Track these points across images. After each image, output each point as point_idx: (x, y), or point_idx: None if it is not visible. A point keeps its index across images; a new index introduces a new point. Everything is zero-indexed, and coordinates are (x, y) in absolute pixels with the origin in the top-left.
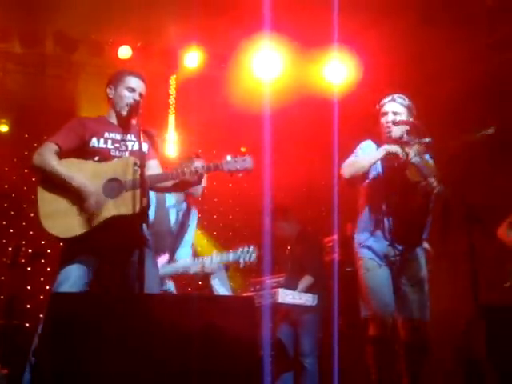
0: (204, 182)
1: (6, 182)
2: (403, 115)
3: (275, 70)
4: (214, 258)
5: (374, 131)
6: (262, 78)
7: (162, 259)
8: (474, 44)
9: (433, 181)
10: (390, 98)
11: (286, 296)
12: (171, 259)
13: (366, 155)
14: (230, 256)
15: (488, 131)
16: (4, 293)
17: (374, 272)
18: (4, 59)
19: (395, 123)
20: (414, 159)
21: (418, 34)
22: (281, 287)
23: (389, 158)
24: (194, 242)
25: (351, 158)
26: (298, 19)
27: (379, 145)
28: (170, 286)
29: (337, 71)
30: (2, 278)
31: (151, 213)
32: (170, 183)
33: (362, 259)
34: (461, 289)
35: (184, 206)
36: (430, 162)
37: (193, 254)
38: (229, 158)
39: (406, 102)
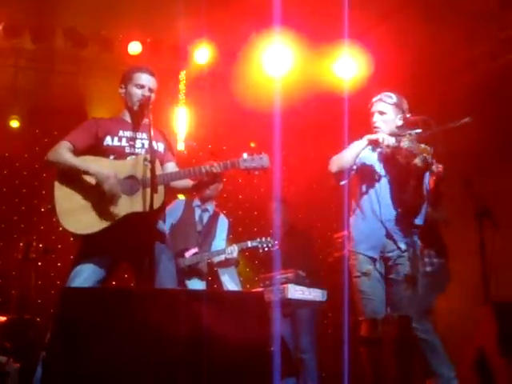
0: (220, 185)
1: (17, 177)
2: (390, 114)
3: (285, 65)
4: (235, 246)
5: (364, 128)
6: (272, 73)
7: (191, 252)
8: (486, 39)
9: (425, 157)
10: (377, 97)
11: (296, 292)
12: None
13: (351, 148)
14: (249, 243)
15: (465, 120)
16: (15, 288)
17: (368, 277)
18: (16, 55)
19: (406, 119)
20: (404, 143)
21: (429, 29)
22: (290, 283)
23: (374, 147)
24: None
25: (340, 153)
26: (308, 14)
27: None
28: (197, 283)
29: (347, 67)
30: (14, 272)
31: (178, 212)
32: (189, 184)
33: (357, 259)
34: (471, 286)
35: (209, 208)
36: (422, 145)
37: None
38: (245, 155)
39: (394, 99)
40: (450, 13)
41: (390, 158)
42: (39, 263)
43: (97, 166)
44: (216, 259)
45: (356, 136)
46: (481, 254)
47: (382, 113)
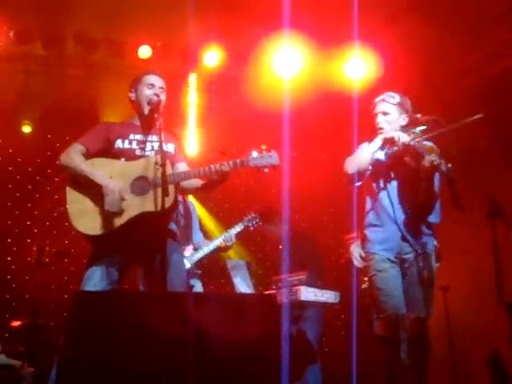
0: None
1: (29, 182)
2: (394, 114)
3: (295, 67)
4: (230, 231)
5: (371, 128)
6: (282, 75)
7: (188, 251)
8: (492, 41)
9: (433, 158)
10: (380, 97)
11: (308, 293)
12: (194, 248)
13: (366, 148)
14: (240, 226)
15: (476, 117)
16: (29, 292)
17: (385, 274)
18: (27, 61)
19: (416, 119)
20: (411, 142)
21: (435, 31)
22: (302, 285)
23: (389, 146)
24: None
25: (353, 155)
26: (317, 16)
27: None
28: (198, 285)
29: (357, 68)
30: (27, 277)
31: None
32: (199, 183)
33: (373, 259)
34: (485, 285)
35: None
36: (429, 144)
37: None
38: (255, 153)
39: (396, 99)
40: (456, 15)
41: (398, 159)
42: (52, 267)
43: (105, 175)
44: (218, 250)
45: (365, 136)
46: (494, 253)
47: (385, 113)
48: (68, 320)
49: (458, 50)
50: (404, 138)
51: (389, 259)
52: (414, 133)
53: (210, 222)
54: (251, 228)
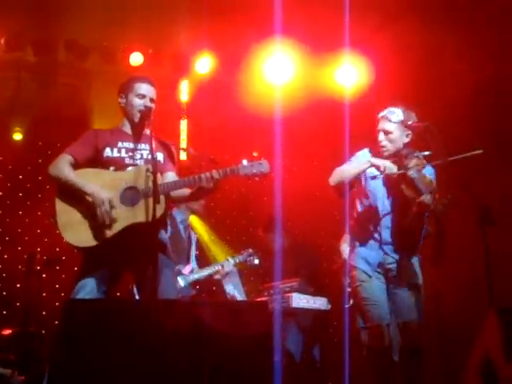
0: (203, 200)
1: (20, 190)
2: (396, 132)
3: (286, 74)
4: (229, 261)
5: (374, 139)
6: (274, 82)
7: (187, 269)
8: (487, 44)
9: (428, 198)
10: (383, 113)
11: (300, 300)
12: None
13: (354, 165)
14: (239, 258)
15: (476, 152)
16: (20, 300)
17: (369, 284)
18: (18, 68)
19: (408, 126)
20: (412, 173)
21: (429, 35)
22: (294, 292)
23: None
24: (211, 249)
25: (342, 166)
26: (308, 23)
27: (377, 155)
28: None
29: (348, 75)
30: (18, 285)
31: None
32: (187, 192)
33: (356, 270)
34: (476, 292)
35: (187, 223)
36: (429, 177)
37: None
38: (245, 162)
39: (399, 117)
40: (449, 18)
41: (394, 184)
42: (43, 275)
43: (94, 185)
44: (215, 275)
45: (357, 143)
46: (485, 259)
47: (387, 132)
48: (59, 328)
49: (451, 53)
50: (391, 169)
51: (370, 271)
52: (417, 157)
53: (213, 247)
54: (248, 264)
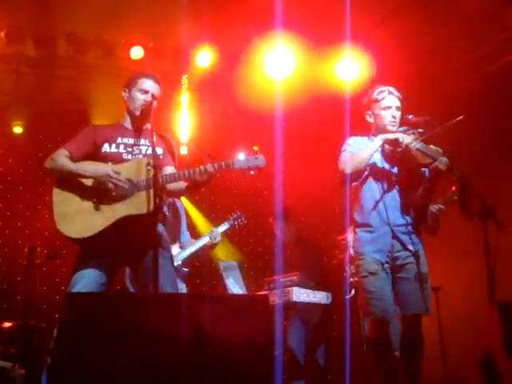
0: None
1: (20, 183)
2: (401, 109)
3: (287, 68)
4: (217, 229)
5: (361, 125)
6: (274, 76)
7: (175, 249)
8: (488, 40)
9: (445, 160)
10: (386, 91)
11: (301, 294)
12: (180, 246)
13: (363, 148)
14: (226, 224)
15: (458, 118)
16: (20, 294)
17: (376, 276)
18: (18, 61)
19: (408, 120)
20: (416, 145)
21: (430, 30)
22: (295, 286)
23: (387, 147)
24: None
25: (346, 154)
26: (309, 17)
27: (368, 137)
28: (182, 287)
29: (349, 69)
30: (18, 278)
31: None
32: (183, 186)
33: (363, 259)
34: (476, 287)
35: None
36: (433, 147)
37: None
38: (241, 156)
39: (400, 94)
40: (451, 14)
41: (397, 160)
42: (44, 269)
43: (89, 167)
44: (206, 243)
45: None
46: (485, 253)
47: (398, 108)
48: (59, 322)
49: (453, 49)
50: (406, 139)
51: (380, 261)
52: (413, 133)
53: (200, 222)
54: (237, 226)
